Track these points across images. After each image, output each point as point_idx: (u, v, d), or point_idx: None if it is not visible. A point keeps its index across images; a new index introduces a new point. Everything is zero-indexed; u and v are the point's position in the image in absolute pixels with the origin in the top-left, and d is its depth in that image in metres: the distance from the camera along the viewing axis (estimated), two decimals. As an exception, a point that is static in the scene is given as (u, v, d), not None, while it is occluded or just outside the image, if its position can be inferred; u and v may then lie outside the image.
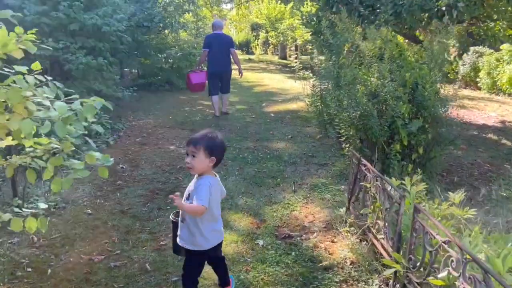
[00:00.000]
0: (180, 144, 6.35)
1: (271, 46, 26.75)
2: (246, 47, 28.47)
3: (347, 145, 4.94)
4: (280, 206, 4.08)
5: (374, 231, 2.91)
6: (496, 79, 11.25)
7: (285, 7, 15.79)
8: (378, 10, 6.03)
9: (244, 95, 11.07)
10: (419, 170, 4.55)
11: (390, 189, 2.77)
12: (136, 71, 12.31)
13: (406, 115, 4.31)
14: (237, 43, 27.65)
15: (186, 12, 11.07)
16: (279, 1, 16.07)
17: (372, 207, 2.97)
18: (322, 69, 6.57)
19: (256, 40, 26.95)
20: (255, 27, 21.53)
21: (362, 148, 4.67)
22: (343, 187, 4.49)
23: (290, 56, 25.53)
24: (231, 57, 8.02)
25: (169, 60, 11.33)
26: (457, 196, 3.17)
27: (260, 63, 21.80)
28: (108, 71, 7.21)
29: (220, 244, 2.47)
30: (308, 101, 8.12)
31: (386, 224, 2.70)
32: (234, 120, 7.97)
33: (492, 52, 11.27)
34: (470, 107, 9.37)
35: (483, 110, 9.14)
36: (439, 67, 4.61)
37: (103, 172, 2.09)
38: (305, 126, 7.41)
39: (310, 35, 7.60)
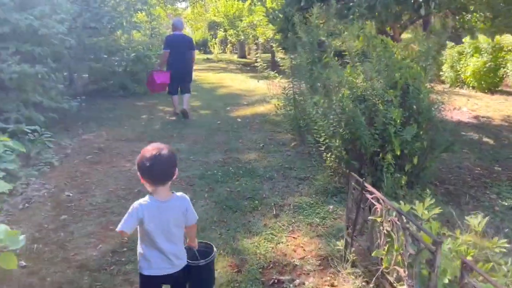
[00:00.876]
0: (138, 160, 5.53)
1: (229, 45, 26.00)
2: (203, 46, 27.53)
3: (329, 155, 4.32)
4: (262, 238, 3.38)
5: (391, 279, 2.27)
6: (459, 72, 11.05)
7: (243, 5, 15.06)
8: (351, 4, 5.43)
9: (207, 98, 10.28)
10: (413, 181, 3.99)
11: (411, 225, 2.14)
12: (87, 76, 11.20)
13: (398, 121, 3.72)
14: (194, 42, 26.65)
15: (139, 12, 10.09)
16: (236, -2, 15.34)
17: (386, 247, 2.32)
18: (293, 69, 5.90)
19: (214, 39, 26.10)
20: (213, 26, 20.68)
21: (348, 160, 4.05)
22: (331, 207, 3.85)
23: (249, 55, 24.89)
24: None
25: (122, 63, 10.33)
26: (477, 221, 2.61)
27: (219, 63, 20.99)
28: (50, 79, 6.25)
29: (173, 277, 2.13)
30: (277, 104, 7.48)
31: (411, 275, 2.06)
32: (199, 128, 7.20)
33: (453, 46, 11.06)
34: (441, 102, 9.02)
35: (454, 106, 8.82)
36: (431, 65, 4.05)
37: (9, 260, 1.31)
38: (276, 132, 6.75)
39: (276, 32, 6.91)
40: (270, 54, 20.09)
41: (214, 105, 9.32)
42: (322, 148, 4.43)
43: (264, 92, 10.70)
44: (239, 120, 7.70)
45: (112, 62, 10.08)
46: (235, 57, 24.31)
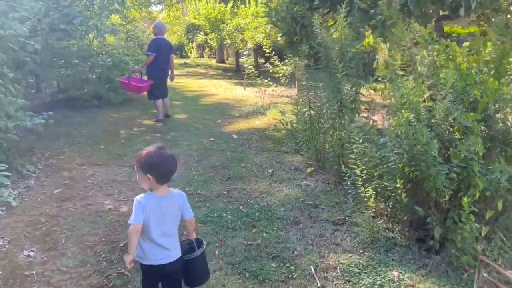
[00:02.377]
0: (120, 194, 4.34)
1: (207, 49, 24.76)
2: (179, 50, 26.18)
3: (372, 192, 3.28)
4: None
5: None
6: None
7: (226, 7, 13.92)
8: (379, 1, 4.42)
9: (192, 109, 9.09)
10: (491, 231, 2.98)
11: None
12: (56, 84, 9.79)
13: (480, 154, 2.71)
14: (170, 46, 25.26)
15: (113, 14, 8.79)
16: (217, 1, 14.16)
17: None
18: (308, 80, 4.85)
19: (191, 43, 24.79)
20: (191, 29, 19.42)
21: (409, 205, 3.01)
22: (395, 273, 2.78)
23: (227, 59, 23.74)
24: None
25: (96, 70, 9.01)
26: None
27: (197, 68, 19.75)
28: (8, 92, 4.96)
29: (167, 268, 2.17)
30: (279, 118, 6.44)
31: None
32: (189, 146, 6.03)
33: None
34: None
35: None
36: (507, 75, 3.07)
37: None
38: (282, 152, 5.66)
39: (281, 36, 5.84)
40: (253, 59, 19.09)
41: (202, 117, 8.15)
42: (360, 181, 3.39)
43: (254, 102, 9.64)
44: (234, 136, 6.57)
45: (85, 68, 8.74)
46: (213, 61, 23.11)
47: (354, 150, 3.50)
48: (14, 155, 5.07)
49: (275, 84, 8.81)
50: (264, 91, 10.78)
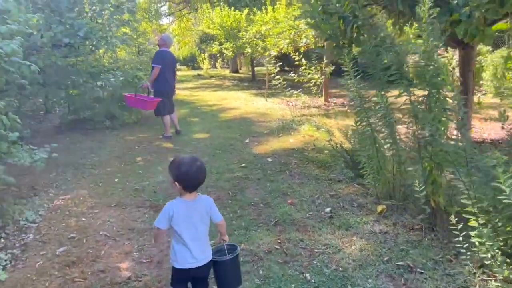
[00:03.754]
0: (141, 252, 3.28)
1: (219, 59, 23.83)
2: (191, 62, 25.31)
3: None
4: None
5: None
6: None
7: (241, 14, 12.92)
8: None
9: (213, 126, 8.05)
10: None
11: None
12: (67, 104, 8.82)
13: None
14: (181, 58, 24.41)
15: (124, 25, 7.81)
16: (232, 8, 13.17)
17: None
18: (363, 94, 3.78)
19: (203, 54, 23.89)
20: (205, 39, 18.49)
21: None
22: None
23: (241, 69, 22.76)
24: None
25: (108, 88, 8.02)
26: None
27: (212, 79, 18.80)
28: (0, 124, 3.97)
29: (196, 272, 2.22)
30: (315, 135, 5.38)
31: None
32: (218, 176, 4.98)
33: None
34: None
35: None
36: None
37: None
38: (333, 181, 4.57)
39: (325, 40, 4.76)
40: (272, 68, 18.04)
41: (226, 136, 7.10)
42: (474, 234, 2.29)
43: (281, 115, 8.57)
44: (269, 159, 5.50)
45: (95, 86, 7.76)
46: (226, 72, 22.16)
47: (469, 192, 2.40)
48: (9, 200, 4.07)
49: (302, 94, 7.78)
50: (288, 102, 9.73)
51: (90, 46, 7.47)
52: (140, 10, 18.69)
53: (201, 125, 8.21)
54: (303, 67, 7.77)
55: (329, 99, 9.96)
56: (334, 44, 4.76)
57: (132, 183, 4.94)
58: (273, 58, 7.74)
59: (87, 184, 5.00)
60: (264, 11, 12.21)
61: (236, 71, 21.36)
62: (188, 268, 2.19)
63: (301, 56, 7.84)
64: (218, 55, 22.36)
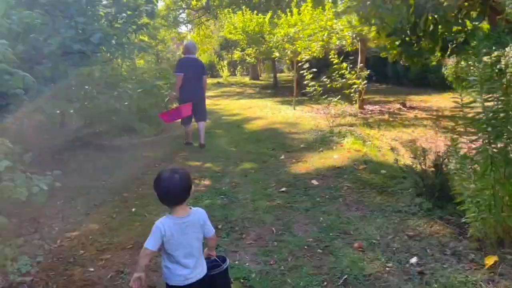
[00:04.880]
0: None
1: (239, 66, 22.99)
2: (210, 70, 24.53)
3: None
4: None
5: None
6: None
7: (264, 18, 11.99)
8: None
9: (240, 139, 7.11)
10: None
11: None
12: (80, 118, 7.99)
13: None
14: (202, 66, 23.60)
15: (142, 29, 6.91)
16: (255, 12, 12.26)
17: None
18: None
19: (222, 61, 23.08)
20: (225, 46, 17.64)
21: None
22: None
23: (261, 76, 21.84)
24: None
25: (126, 99, 7.15)
26: None
27: (232, 86, 17.94)
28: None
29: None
30: (361, 149, 4.41)
31: None
32: (254, 204, 4.02)
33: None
34: None
35: None
36: None
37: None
38: (406, 213, 3.53)
39: (388, 35, 3.75)
40: (272, 74, 16.98)
41: (257, 151, 6.14)
42: None
43: (314, 125, 7.56)
44: (314, 182, 4.50)
45: (112, 97, 6.91)
46: (246, 79, 21.28)
47: None
48: (12, 227, 3.19)
49: (342, 101, 6.76)
50: (320, 111, 8.72)
51: (108, 54, 6.64)
52: (159, 18, 18.01)
53: (227, 138, 7.27)
54: (335, 72, 6.75)
55: (364, 106, 8.91)
56: (399, 41, 3.76)
57: (152, 214, 4.00)
58: (307, 62, 6.72)
59: (99, 215, 4.09)
60: (289, 13, 11.26)
61: (256, 78, 20.46)
62: (185, 285, 2.04)
63: (341, 59, 6.82)
64: (237, 62, 21.54)
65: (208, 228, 2.15)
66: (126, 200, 4.49)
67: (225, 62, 21.78)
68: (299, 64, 6.93)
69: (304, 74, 6.59)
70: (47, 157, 6.74)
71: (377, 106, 9.23)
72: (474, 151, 2.78)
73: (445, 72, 10.72)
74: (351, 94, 6.36)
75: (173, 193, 1.98)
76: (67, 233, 3.71)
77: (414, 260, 2.74)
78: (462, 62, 10.37)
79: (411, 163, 3.96)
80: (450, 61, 10.42)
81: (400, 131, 6.54)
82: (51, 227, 3.86)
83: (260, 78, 21.36)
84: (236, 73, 22.60)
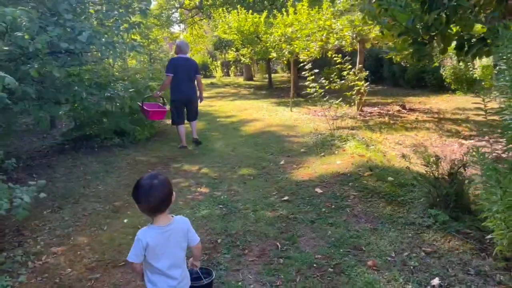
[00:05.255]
0: None
1: (232, 67, 22.69)
2: (203, 70, 24.19)
3: None
4: None
5: None
6: None
7: (260, 17, 11.70)
8: None
9: (236, 142, 6.82)
10: None
11: None
12: (72, 118, 7.64)
13: None
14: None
15: (134, 28, 6.58)
16: (250, 11, 11.96)
17: None
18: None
19: (215, 62, 22.75)
20: (219, 46, 17.31)
21: None
22: None
23: (254, 76, 21.54)
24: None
25: (116, 102, 6.82)
26: None
27: (226, 87, 17.63)
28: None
29: None
30: (365, 154, 4.19)
31: None
32: (256, 215, 3.73)
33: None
34: None
35: None
36: None
37: None
38: (421, 227, 3.26)
39: (399, 34, 3.48)
40: (267, 75, 16.72)
41: (255, 156, 5.85)
42: None
43: (314, 128, 7.30)
44: (318, 190, 4.23)
45: (102, 99, 6.58)
46: (240, 79, 20.98)
47: None
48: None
49: (343, 104, 6.50)
50: (317, 113, 8.46)
51: (97, 53, 6.30)
52: (151, 17, 17.63)
53: (223, 141, 6.98)
54: (333, 73, 6.49)
55: (363, 108, 8.66)
56: (410, 41, 3.50)
57: (146, 225, 3.69)
58: (309, 63, 6.45)
59: (88, 226, 3.78)
60: (284, 13, 10.99)
61: (250, 79, 20.17)
62: None
63: (344, 59, 6.54)
64: (231, 62, 21.22)
65: (192, 237, 2.03)
66: (117, 209, 4.18)
67: (219, 62, 21.45)
68: (301, 64, 6.63)
69: (306, 75, 6.29)
70: (35, 161, 6.41)
71: (375, 108, 9.00)
72: (497, 159, 2.53)
73: (443, 73, 10.55)
74: (352, 96, 6.09)
75: (153, 200, 1.86)
76: (53, 247, 3.40)
77: (436, 281, 2.47)
78: (461, 63, 10.23)
79: (422, 171, 3.70)
80: (449, 62, 10.24)
81: (403, 135, 6.30)
82: (36, 241, 3.54)
83: (254, 78, 21.08)
84: (230, 73, 22.29)
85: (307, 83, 6.46)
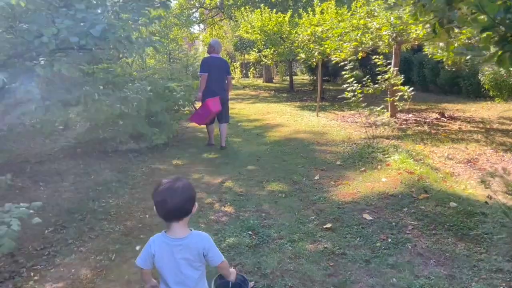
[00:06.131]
0: None
1: (252, 68, 22.03)
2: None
3: None
4: None
5: None
6: None
7: (284, 17, 10.99)
8: None
9: (261, 150, 6.13)
10: None
11: None
12: (80, 124, 7.05)
13: None
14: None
15: (154, 22, 5.93)
16: (274, 10, 11.25)
17: None
18: None
19: (234, 63, 22.13)
20: (240, 47, 16.65)
21: None
22: None
23: (274, 78, 20.84)
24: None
25: (133, 102, 6.18)
26: None
27: (245, 89, 16.95)
28: None
29: None
30: (415, 171, 3.45)
31: None
32: (292, 246, 3.02)
33: None
34: None
35: None
36: None
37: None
38: (509, 274, 2.50)
39: (482, 29, 2.72)
40: (288, 77, 16.00)
41: (283, 167, 5.15)
42: None
43: (346, 136, 6.54)
44: (366, 217, 3.48)
45: (119, 100, 5.96)
46: (259, 81, 20.30)
47: None
48: None
49: (386, 111, 5.73)
50: (346, 118, 7.69)
51: (113, 51, 5.68)
52: (171, 16, 17.10)
53: (247, 149, 6.28)
54: (367, 77, 5.73)
55: (396, 115, 7.86)
56: (496, 39, 2.73)
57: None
58: (350, 62, 5.71)
59: (94, 253, 3.12)
60: (310, 12, 10.26)
61: (270, 81, 19.47)
62: None
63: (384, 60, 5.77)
64: (251, 63, 20.56)
65: (213, 257, 1.75)
66: (128, 231, 3.52)
67: (238, 63, 20.81)
68: (341, 64, 5.89)
69: (345, 76, 5.55)
70: (44, 166, 5.83)
71: (410, 115, 8.18)
72: None
73: (481, 79, 9.66)
74: (395, 103, 5.32)
75: (170, 204, 1.64)
76: (49, 282, 2.75)
77: None
78: (501, 69, 9.34)
79: (500, 198, 2.93)
80: (489, 68, 9.35)
81: (451, 147, 5.51)
82: (30, 272, 2.90)
83: (274, 80, 20.37)
84: (249, 75, 21.62)
85: (344, 86, 5.70)
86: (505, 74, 9.14)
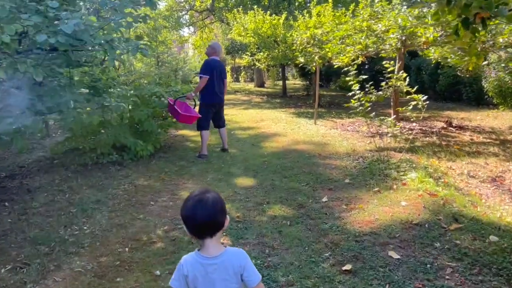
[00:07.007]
0: None
1: (243, 72, 21.42)
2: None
3: None
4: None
5: None
6: None
7: (279, 19, 10.40)
8: None
9: (258, 164, 5.50)
10: None
11: None
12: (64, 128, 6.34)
13: None
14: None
15: (139, 22, 5.23)
16: (267, 12, 10.66)
17: None
18: None
19: (226, 67, 21.51)
20: (231, 50, 16.01)
21: None
22: None
23: (265, 83, 20.24)
24: None
25: (114, 112, 5.49)
26: None
27: (237, 94, 16.32)
28: None
29: None
30: (435, 192, 2.87)
31: None
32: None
33: None
34: None
35: None
36: None
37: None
38: None
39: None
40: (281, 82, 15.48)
41: (283, 184, 4.52)
42: None
43: (350, 148, 5.96)
44: (393, 255, 2.87)
45: (96, 109, 5.28)
46: (251, 86, 19.69)
47: None
48: None
49: (383, 118, 5.15)
50: (347, 127, 7.10)
51: (94, 52, 5.01)
52: (160, 18, 16.40)
53: (242, 163, 5.63)
54: (370, 84, 5.13)
55: (399, 124, 7.31)
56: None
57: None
58: (355, 69, 5.13)
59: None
60: (306, 15, 9.70)
61: (262, 85, 18.88)
62: None
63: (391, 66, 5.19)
64: (242, 68, 19.94)
65: (249, 276, 1.51)
66: (103, 272, 2.85)
67: (228, 67, 20.18)
68: (346, 68, 5.31)
69: (351, 82, 4.97)
70: (14, 181, 5.12)
71: (414, 124, 7.64)
72: None
73: (485, 85, 9.19)
74: (408, 113, 4.75)
75: (200, 216, 1.45)
76: None
77: None
78: (505, 75, 8.88)
79: None
80: (493, 73, 8.89)
81: (468, 162, 4.96)
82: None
83: (265, 85, 19.79)
84: (240, 79, 20.99)
85: (350, 93, 5.11)
86: (510, 81, 8.68)
